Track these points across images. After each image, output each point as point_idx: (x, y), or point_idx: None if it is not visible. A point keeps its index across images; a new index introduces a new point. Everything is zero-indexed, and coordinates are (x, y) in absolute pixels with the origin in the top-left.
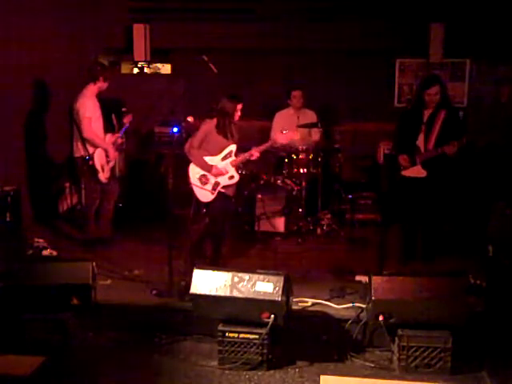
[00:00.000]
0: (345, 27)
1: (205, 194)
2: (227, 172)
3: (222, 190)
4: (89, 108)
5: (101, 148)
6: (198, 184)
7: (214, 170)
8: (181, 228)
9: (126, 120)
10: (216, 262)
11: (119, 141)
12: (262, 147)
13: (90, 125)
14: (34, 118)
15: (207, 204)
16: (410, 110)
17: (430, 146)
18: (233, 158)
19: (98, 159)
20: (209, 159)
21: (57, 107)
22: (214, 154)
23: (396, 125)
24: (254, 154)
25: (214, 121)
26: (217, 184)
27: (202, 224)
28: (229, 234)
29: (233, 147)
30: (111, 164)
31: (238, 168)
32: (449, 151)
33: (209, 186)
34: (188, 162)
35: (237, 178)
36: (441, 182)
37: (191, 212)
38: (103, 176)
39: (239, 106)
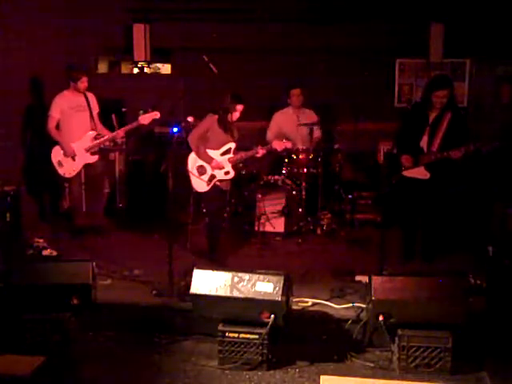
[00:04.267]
0: (345, 27)
1: (200, 184)
2: (224, 167)
3: (218, 183)
4: (55, 106)
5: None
6: (196, 173)
7: (214, 163)
8: (180, 228)
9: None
10: (213, 259)
11: (118, 139)
12: (266, 148)
13: (51, 122)
14: (34, 117)
15: (204, 201)
16: (414, 110)
17: (434, 148)
18: (231, 155)
19: (54, 154)
20: (208, 152)
21: None
22: (214, 148)
23: (398, 124)
24: (260, 151)
25: (216, 116)
26: (213, 176)
27: (202, 224)
28: (224, 231)
29: (232, 145)
30: (79, 162)
31: (234, 166)
32: (454, 156)
33: (205, 177)
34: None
35: (232, 174)
36: (444, 184)
37: (191, 210)
38: (62, 171)
39: (239, 107)
